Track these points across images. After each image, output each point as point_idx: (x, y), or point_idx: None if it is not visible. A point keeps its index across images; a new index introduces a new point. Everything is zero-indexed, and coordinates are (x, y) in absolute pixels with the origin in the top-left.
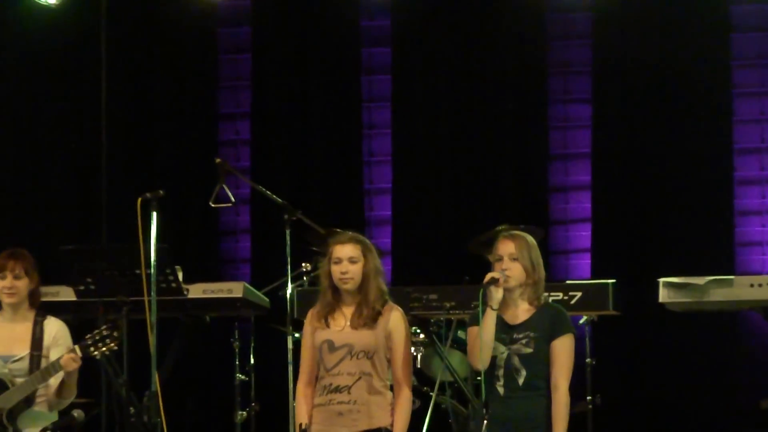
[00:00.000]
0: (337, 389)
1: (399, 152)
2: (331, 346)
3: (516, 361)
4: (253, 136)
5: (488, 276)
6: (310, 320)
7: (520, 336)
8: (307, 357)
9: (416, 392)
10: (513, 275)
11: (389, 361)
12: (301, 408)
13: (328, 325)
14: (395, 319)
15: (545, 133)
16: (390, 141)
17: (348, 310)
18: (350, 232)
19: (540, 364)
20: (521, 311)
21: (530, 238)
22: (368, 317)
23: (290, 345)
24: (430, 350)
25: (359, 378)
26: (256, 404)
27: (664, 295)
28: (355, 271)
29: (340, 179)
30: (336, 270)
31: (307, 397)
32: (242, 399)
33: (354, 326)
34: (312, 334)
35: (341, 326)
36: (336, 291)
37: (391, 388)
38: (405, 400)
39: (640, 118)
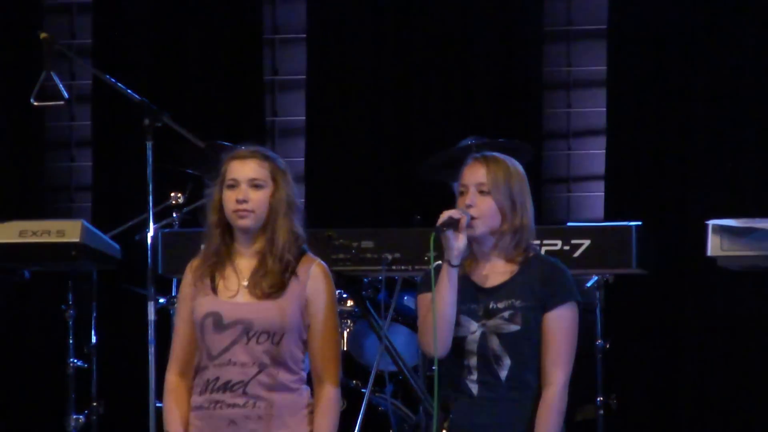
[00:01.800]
0: (227, 386)
1: (316, 23)
2: (218, 323)
3: (495, 343)
4: None
5: (444, 215)
6: (190, 278)
7: (500, 306)
8: (183, 334)
9: (341, 387)
10: (481, 216)
11: (305, 343)
12: (172, 411)
13: (214, 289)
14: (317, 278)
15: (539, 0)
16: (304, 9)
17: (245, 264)
18: (255, 146)
19: (531, 348)
20: (498, 270)
21: (513, 164)
22: (275, 277)
23: (152, 315)
24: (363, 325)
25: (260, 370)
26: (99, 403)
27: (715, 246)
28: (258, 200)
29: (228, 64)
30: (230, 197)
31: (181, 394)
32: (79, 396)
33: (254, 292)
34: (191, 300)
35: (234, 291)
36: (228, 233)
37: (309, 382)
38: (330, 400)
39: None
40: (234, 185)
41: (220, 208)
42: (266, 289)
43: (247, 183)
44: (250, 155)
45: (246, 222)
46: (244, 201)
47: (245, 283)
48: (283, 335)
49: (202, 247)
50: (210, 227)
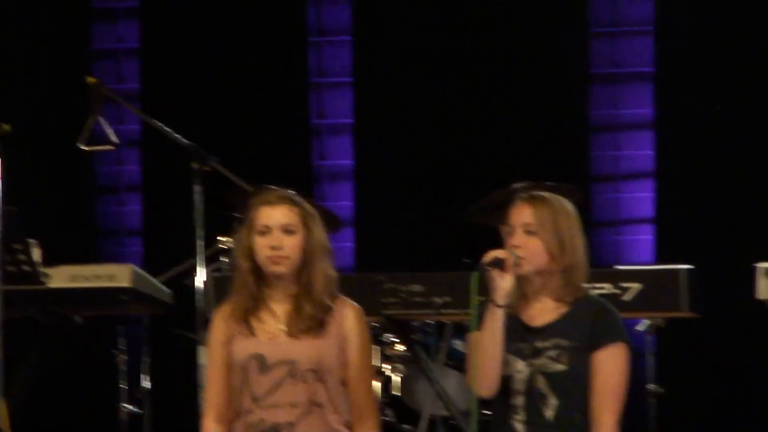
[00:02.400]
0: (276, 429)
1: (362, 67)
2: (263, 364)
3: (542, 383)
4: (143, 42)
5: (490, 255)
6: (222, 324)
7: (547, 345)
8: (218, 378)
9: (393, 431)
10: (527, 256)
11: (344, 384)
12: None
13: (252, 332)
14: (352, 319)
15: (585, 43)
16: (349, 52)
17: (280, 308)
18: (282, 190)
19: (578, 388)
20: (546, 309)
21: (560, 202)
22: (313, 318)
23: (203, 359)
24: (414, 370)
25: (308, 410)
26: None
27: (763, 288)
28: (291, 246)
29: (275, 109)
30: (262, 244)
31: None
32: None
33: (293, 333)
34: (225, 345)
35: (273, 332)
36: (260, 277)
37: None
38: None
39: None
40: (266, 232)
41: (251, 254)
42: (305, 330)
43: (280, 229)
44: (279, 200)
45: (281, 268)
46: (279, 247)
47: (282, 326)
48: (329, 372)
49: (233, 292)
50: (243, 273)
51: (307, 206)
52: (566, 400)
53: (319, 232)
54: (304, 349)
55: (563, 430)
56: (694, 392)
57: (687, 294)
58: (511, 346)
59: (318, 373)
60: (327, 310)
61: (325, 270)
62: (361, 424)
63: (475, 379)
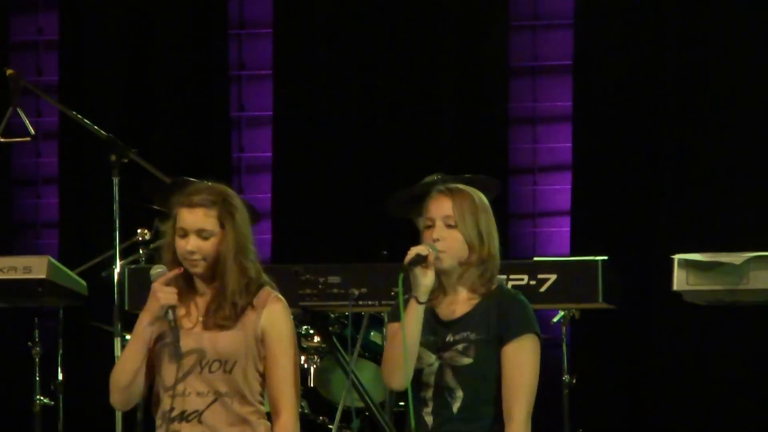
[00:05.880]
0: (183, 417)
1: (282, 59)
2: (175, 354)
3: (449, 376)
4: (62, 35)
5: (412, 251)
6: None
7: (456, 338)
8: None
9: (308, 423)
10: (449, 250)
11: (263, 376)
12: None
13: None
14: (273, 311)
15: (505, 36)
16: (269, 45)
17: (203, 301)
18: (206, 185)
19: (485, 381)
20: (460, 302)
21: (478, 195)
22: (226, 316)
23: (118, 351)
24: (330, 361)
25: (214, 400)
26: None
27: (680, 280)
28: (206, 250)
29: (195, 101)
30: (180, 245)
31: None
32: None
33: (208, 325)
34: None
35: (192, 324)
36: (186, 271)
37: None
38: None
39: None
40: (183, 234)
41: (173, 250)
42: (220, 321)
43: (195, 233)
44: (198, 203)
45: (197, 270)
46: (193, 252)
47: (200, 317)
48: (235, 363)
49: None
50: (167, 265)
51: (229, 204)
52: (472, 393)
53: (236, 233)
54: (213, 341)
55: (468, 422)
56: (608, 384)
57: (602, 285)
58: (422, 339)
59: (224, 364)
60: (243, 308)
61: (241, 270)
62: (276, 415)
63: (391, 371)
